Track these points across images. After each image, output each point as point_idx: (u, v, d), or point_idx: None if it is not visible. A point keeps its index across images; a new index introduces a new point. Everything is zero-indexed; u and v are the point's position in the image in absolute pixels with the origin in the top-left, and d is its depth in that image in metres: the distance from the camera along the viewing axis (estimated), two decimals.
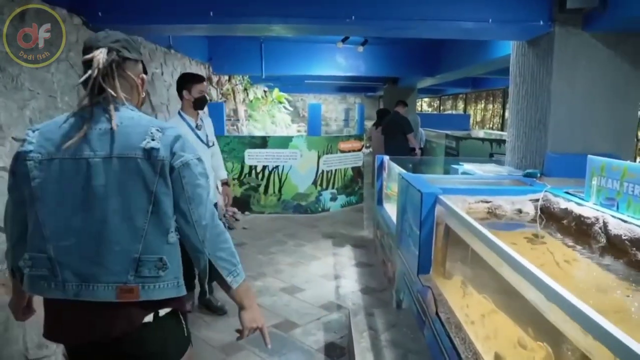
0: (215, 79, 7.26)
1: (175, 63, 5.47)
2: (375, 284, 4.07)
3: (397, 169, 4.19)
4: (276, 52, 7.51)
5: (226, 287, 1.42)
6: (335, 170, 7.12)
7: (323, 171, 6.91)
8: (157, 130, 1.33)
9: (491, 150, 7.39)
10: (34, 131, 1.36)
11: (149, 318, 1.35)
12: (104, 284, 1.30)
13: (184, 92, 3.11)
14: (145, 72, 1.54)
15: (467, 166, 4.08)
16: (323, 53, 7.58)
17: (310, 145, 6.74)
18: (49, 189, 1.32)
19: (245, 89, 9.95)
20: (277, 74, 7.60)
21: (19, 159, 1.35)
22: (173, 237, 1.36)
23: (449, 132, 9.18)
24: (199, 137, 3.21)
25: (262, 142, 6.68)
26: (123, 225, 1.29)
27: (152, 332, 1.37)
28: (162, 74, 4.88)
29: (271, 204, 6.80)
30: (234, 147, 6.65)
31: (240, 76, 9.57)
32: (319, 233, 5.79)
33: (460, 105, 17.23)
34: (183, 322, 1.47)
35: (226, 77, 8.32)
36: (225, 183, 3.69)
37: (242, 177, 6.72)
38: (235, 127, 7.79)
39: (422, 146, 9.29)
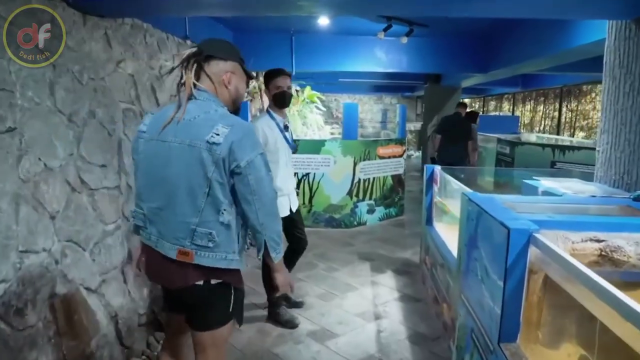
0: None
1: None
2: (426, 328, 3.27)
3: (456, 184, 3.37)
4: (308, 46, 6.78)
5: (269, 258, 1.74)
6: (374, 178, 6.33)
7: (359, 180, 6.13)
8: (224, 127, 1.57)
9: (553, 158, 6.45)
10: (151, 114, 1.76)
11: (200, 282, 1.65)
12: (170, 244, 1.64)
13: (265, 90, 3.06)
14: (249, 76, 1.84)
15: (545, 182, 3.22)
16: (360, 47, 6.80)
17: (345, 151, 5.98)
18: (145, 162, 1.70)
19: None
20: (309, 70, 6.88)
21: (136, 135, 1.76)
22: (225, 218, 1.61)
23: (501, 136, 8.24)
24: (286, 139, 3.06)
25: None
26: (187, 201, 1.60)
27: (203, 294, 1.68)
28: (173, 68, 4.22)
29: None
30: None
31: None
32: (354, 253, 5.01)
33: (506, 106, 16.11)
34: (232, 297, 1.73)
35: (254, 74, 7.65)
36: None
37: None
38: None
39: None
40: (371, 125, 16.45)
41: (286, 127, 3.09)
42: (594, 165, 6.54)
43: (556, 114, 12.04)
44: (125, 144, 3.09)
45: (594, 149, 6.20)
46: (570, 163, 6.31)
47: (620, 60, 3.07)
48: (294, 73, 6.86)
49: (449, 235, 3.71)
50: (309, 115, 9.07)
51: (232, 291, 1.74)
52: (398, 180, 6.74)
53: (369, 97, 20.45)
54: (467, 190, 3.02)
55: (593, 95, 10.73)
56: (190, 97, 1.64)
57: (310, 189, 6.00)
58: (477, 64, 6.71)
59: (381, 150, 6.41)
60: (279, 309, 3.31)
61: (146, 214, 1.71)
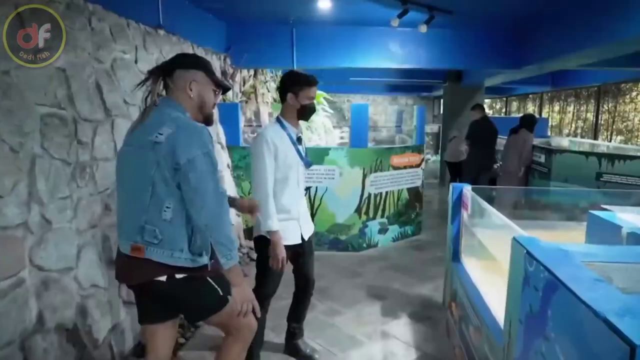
0: (230, 71, 5.75)
1: (167, 49, 3.99)
2: None
3: (497, 216, 2.49)
4: (311, 39, 5.95)
5: (220, 266, 1.76)
6: (386, 193, 5.46)
7: (370, 194, 5.26)
8: (168, 127, 1.68)
9: (599, 169, 5.50)
10: (132, 128, 1.89)
11: (161, 277, 1.73)
12: (125, 240, 1.76)
13: (289, 96, 2.51)
14: (218, 84, 1.92)
15: (625, 217, 2.31)
16: (372, 39, 5.94)
17: (353, 160, 5.11)
18: (117, 168, 1.84)
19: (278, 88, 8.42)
20: (312, 66, 6.06)
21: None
22: (167, 215, 1.70)
23: (549, 143, 7.31)
24: (299, 152, 2.59)
25: None
26: (136, 199, 1.72)
27: (172, 289, 1.76)
28: (137, 61, 3.41)
29: None
30: None
31: (271, 71, 8.06)
32: (362, 287, 4.15)
33: (530, 107, 15.04)
34: (215, 285, 1.82)
35: (251, 72, 6.83)
36: None
37: None
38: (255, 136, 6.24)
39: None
40: (386, 128, 15.52)
41: (299, 140, 2.63)
42: None
43: (589, 115, 11.01)
44: (43, 161, 2.28)
45: None
46: (620, 175, 5.36)
47: None
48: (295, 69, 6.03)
49: (484, 278, 2.82)
50: (314, 118, 8.21)
51: (210, 280, 1.82)
52: (415, 194, 5.85)
53: (382, 97, 19.51)
54: (517, 230, 2.14)
55: (634, 94, 9.69)
56: (153, 105, 1.78)
57: (312, 206, 5.14)
58: (509, 59, 5.80)
59: (395, 160, 5.53)
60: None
61: (117, 216, 1.87)
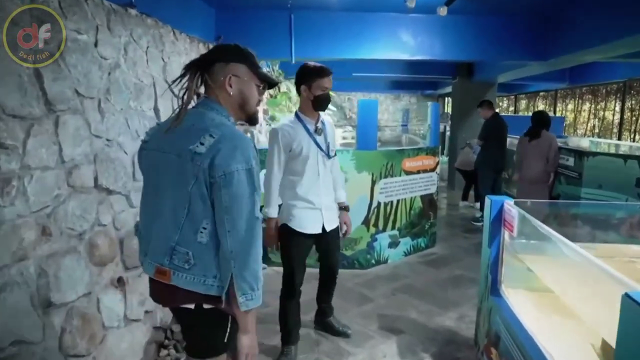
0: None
1: (139, 32, 3.34)
2: None
3: (572, 248, 1.87)
4: (311, 27, 5.31)
5: (235, 303, 1.48)
6: (398, 201, 4.83)
7: (379, 203, 4.63)
8: (211, 135, 1.46)
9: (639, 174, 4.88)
10: (157, 124, 1.78)
11: (190, 305, 1.54)
12: (150, 261, 1.57)
13: (302, 88, 2.67)
14: (263, 78, 1.65)
15: None
16: (380, 27, 5.30)
17: (360, 164, 4.48)
18: (145, 175, 1.65)
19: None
20: (313, 57, 5.39)
21: (139, 146, 1.69)
22: (203, 237, 1.48)
23: (566, 144, 6.72)
24: (317, 143, 2.70)
25: None
26: (169, 215, 1.50)
27: (195, 318, 1.58)
28: (97, 44, 2.76)
29: None
30: None
31: (268, 65, 7.42)
32: (373, 318, 3.52)
33: (541, 105, 14.44)
34: (228, 327, 1.59)
35: (279, 78, 6.19)
36: (344, 208, 3.05)
37: None
38: (248, 136, 5.57)
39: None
40: (389, 127, 14.85)
41: (317, 131, 2.73)
42: None
43: (608, 113, 10.40)
44: None
45: None
46: None
47: None
48: (293, 61, 5.41)
49: (543, 322, 2.20)
50: None
51: (229, 321, 1.59)
52: (429, 201, 5.23)
53: (385, 95, 18.87)
54: (604, 267, 1.51)
55: None
56: (188, 104, 1.57)
57: None
58: (535, 49, 5.16)
59: (408, 164, 4.90)
60: None
61: (140, 229, 1.69)
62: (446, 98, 17.37)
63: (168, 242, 1.50)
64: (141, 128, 3.07)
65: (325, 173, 2.78)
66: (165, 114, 3.45)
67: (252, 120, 1.70)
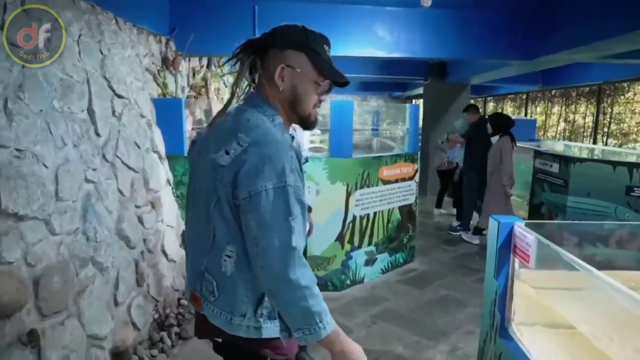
0: (173, 59, 4.53)
1: (69, 16, 2.77)
2: None
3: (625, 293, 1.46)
4: (278, 20, 4.76)
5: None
6: (375, 214, 4.40)
7: (355, 217, 4.19)
8: (239, 143, 1.19)
9: (629, 182, 4.62)
10: (209, 125, 1.40)
11: (218, 339, 1.35)
12: (188, 283, 1.38)
13: None
14: (324, 73, 1.31)
15: None
16: (354, 21, 4.86)
17: (334, 174, 4.02)
18: (189, 182, 1.43)
19: None
20: None
21: (189, 148, 1.49)
22: (227, 267, 1.25)
23: (539, 147, 6.46)
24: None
25: None
26: (199, 234, 1.29)
27: (226, 354, 1.40)
28: (4, 26, 2.19)
29: None
30: None
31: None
32: None
33: (509, 108, 14.41)
34: None
35: (203, 62, 5.63)
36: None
37: None
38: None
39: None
40: (357, 132, 14.54)
41: (291, 137, 2.11)
42: None
43: (576, 116, 10.36)
44: None
45: None
46: None
47: None
48: None
49: None
50: None
51: None
52: (408, 213, 4.82)
53: (352, 96, 18.53)
54: None
55: (629, 94, 9.03)
56: (234, 96, 1.33)
57: None
58: (520, 48, 4.83)
59: (386, 172, 4.47)
60: None
61: (185, 244, 1.47)
62: (414, 100, 17.21)
63: (199, 265, 1.30)
64: (69, 134, 2.51)
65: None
66: (104, 116, 2.89)
67: (305, 124, 1.38)
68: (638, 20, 3.47)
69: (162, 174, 3.69)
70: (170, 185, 3.90)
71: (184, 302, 3.57)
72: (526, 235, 2.04)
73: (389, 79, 11.25)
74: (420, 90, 12.95)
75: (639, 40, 3.85)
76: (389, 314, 3.69)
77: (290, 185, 1.17)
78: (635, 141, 9.14)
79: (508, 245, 2.20)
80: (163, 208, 3.55)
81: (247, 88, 1.35)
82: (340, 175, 4.04)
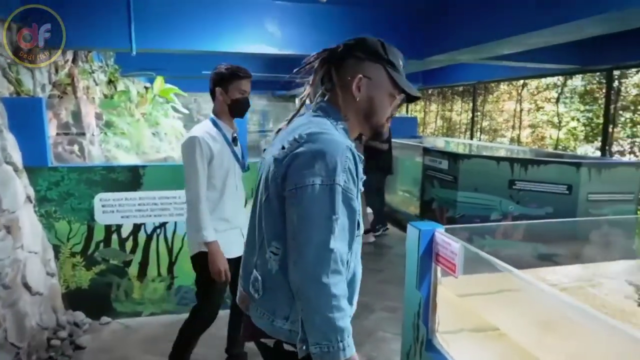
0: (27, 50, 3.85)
1: None
2: None
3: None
4: (158, 12, 4.35)
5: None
6: None
7: None
8: (296, 139, 1.21)
9: (512, 176, 4.94)
10: (277, 132, 1.42)
11: (269, 342, 1.29)
12: (241, 281, 1.38)
13: (218, 91, 2.48)
14: (400, 88, 1.34)
15: None
16: (242, 15, 4.56)
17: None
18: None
19: (111, 81, 6.52)
20: (159, 49, 4.48)
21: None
22: (273, 264, 1.24)
23: (427, 144, 6.70)
24: (235, 155, 2.56)
25: (132, 178, 3.50)
26: (254, 231, 1.31)
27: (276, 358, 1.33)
28: None
29: (155, 298, 3.64)
30: (71, 189, 3.40)
31: (100, 59, 6.16)
32: None
33: None
34: None
35: (68, 57, 4.92)
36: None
37: (90, 251, 3.49)
38: (75, 149, 4.32)
39: None
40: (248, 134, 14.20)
41: (234, 140, 2.57)
42: (563, 185, 4.76)
43: (451, 114, 11.09)
44: None
45: (566, 162, 4.82)
46: (533, 182, 4.85)
47: None
48: (134, 52, 4.39)
49: None
50: (162, 121, 6.52)
51: None
52: None
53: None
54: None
55: (497, 93, 9.86)
56: (304, 104, 1.40)
57: (169, 251, 3.61)
58: (413, 47, 4.89)
59: None
60: None
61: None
62: (296, 100, 17.27)
63: (251, 263, 1.33)
64: None
65: (241, 187, 2.68)
66: None
67: (377, 134, 1.43)
68: (523, 23, 3.66)
69: (19, 189, 3.08)
70: (32, 202, 3.29)
71: (55, 342, 3.01)
72: (450, 243, 1.95)
73: (272, 77, 11.06)
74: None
75: (524, 42, 4.09)
76: None
77: (339, 185, 1.16)
78: (503, 136, 9.99)
79: (430, 253, 2.10)
80: (22, 231, 2.96)
81: (309, 94, 1.38)
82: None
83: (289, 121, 1.37)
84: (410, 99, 1.40)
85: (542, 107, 8.91)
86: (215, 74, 2.49)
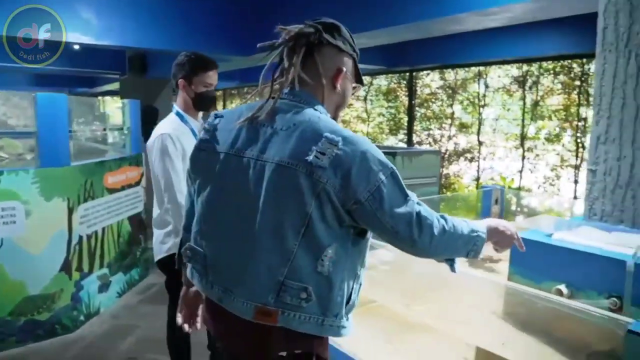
0: None
1: None
2: None
3: None
4: None
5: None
6: (104, 229, 3.79)
7: (81, 238, 3.50)
8: (331, 143, 1.12)
9: None
10: (216, 117, 1.34)
11: (283, 352, 1.23)
12: (244, 300, 1.21)
13: (180, 83, 2.29)
14: (361, 81, 1.35)
15: (559, 235, 1.82)
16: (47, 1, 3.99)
17: (48, 188, 3.25)
18: (211, 183, 1.27)
19: None
20: None
21: (195, 145, 1.36)
22: (324, 267, 1.17)
23: None
24: None
25: None
26: (273, 243, 1.17)
27: None
28: None
29: None
30: None
31: None
32: None
33: None
34: None
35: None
36: None
37: None
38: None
39: None
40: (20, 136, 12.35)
41: None
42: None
43: None
44: None
45: (385, 152, 5.39)
46: None
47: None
48: None
49: (388, 346, 1.91)
50: None
51: None
52: (138, 222, 4.36)
53: (13, 93, 15.64)
54: None
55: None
56: (279, 92, 1.25)
57: None
58: (240, 43, 4.88)
59: (111, 179, 3.89)
60: None
61: (208, 256, 1.27)
62: (104, 97, 15.85)
63: (273, 275, 1.16)
64: None
65: None
66: None
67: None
68: (366, 23, 3.94)
69: None
70: None
71: None
72: None
73: (73, 71, 9.94)
74: (112, 87, 11.98)
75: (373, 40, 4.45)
76: (151, 343, 3.23)
77: (394, 168, 1.18)
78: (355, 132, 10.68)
79: None
80: None
81: (287, 80, 1.24)
82: (58, 189, 3.28)
83: (260, 109, 1.22)
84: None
85: (352, 104, 9.78)
86: (176, 65, 2.29)
